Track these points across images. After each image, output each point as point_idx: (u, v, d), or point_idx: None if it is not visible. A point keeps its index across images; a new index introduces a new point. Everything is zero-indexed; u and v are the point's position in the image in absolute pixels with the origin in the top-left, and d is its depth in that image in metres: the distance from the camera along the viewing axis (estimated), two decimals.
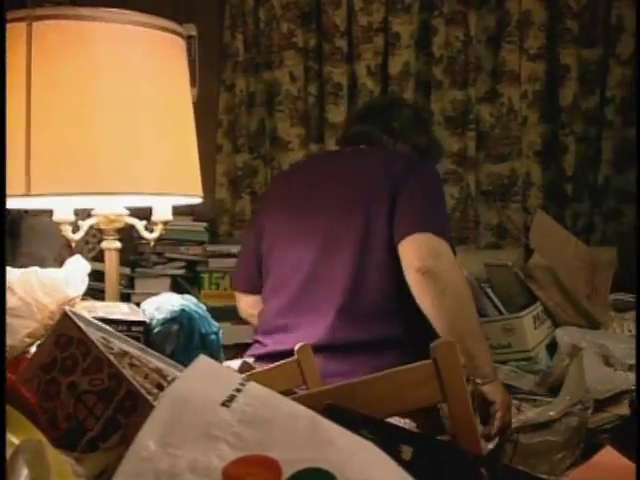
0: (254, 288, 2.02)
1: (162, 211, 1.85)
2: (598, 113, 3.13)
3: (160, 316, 1.48)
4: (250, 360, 1.76)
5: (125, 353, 0.99)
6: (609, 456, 1.04)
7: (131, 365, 0.96)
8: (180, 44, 1.67)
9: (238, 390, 0.67)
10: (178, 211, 2.59)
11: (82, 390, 0.92)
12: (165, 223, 1.88)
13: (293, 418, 0.65)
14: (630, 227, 3.07)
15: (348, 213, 1.82)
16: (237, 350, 2.87)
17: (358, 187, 1.86)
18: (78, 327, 0.98)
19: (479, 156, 3.23)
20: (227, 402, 0.65)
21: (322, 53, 3.16)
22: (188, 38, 3.12)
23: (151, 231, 1.90)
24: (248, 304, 2.08)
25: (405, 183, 1.82)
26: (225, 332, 2.92)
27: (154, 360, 1.04)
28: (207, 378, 0.67)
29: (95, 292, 1.86)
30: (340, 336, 1.70)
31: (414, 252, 1.68)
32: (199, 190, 1.80)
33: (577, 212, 3.19)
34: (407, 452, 0.96)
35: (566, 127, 3.13)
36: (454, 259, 1.73)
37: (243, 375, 0.69)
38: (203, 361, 0.70)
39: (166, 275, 3.05)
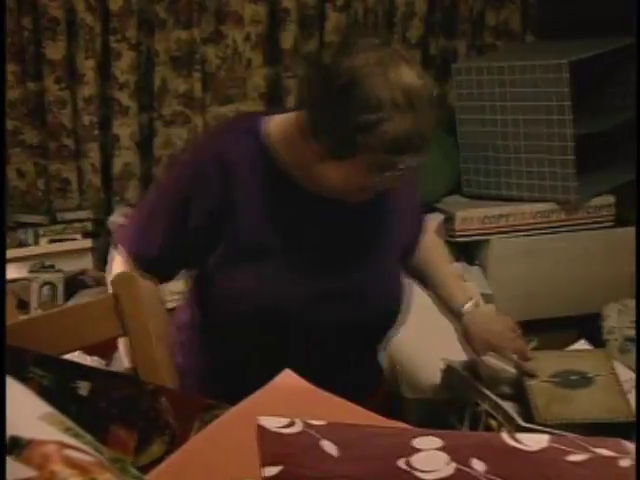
0: None
1: None
2: (318, 57, 3.23)
3: None
4: None
5: None
6: (288, 379, 1.09)
7: None
8: None
9: None
10: None
11: None
12: None
13: None
14: None
15: None
16: None
17: None
18: None
19: (206, 98, 3.23)
20: None
21: None
22: None
23: None
24: None
25: None
26: None
27: None
28: None
29: None
30: None
31: None
32: None
33: None
34: (84, 388, 0.94)
35: (289, 70, 3.21)
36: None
37: None
38: None
39: None
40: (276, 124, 1.51)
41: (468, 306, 1.74)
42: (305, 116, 1.41)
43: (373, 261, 1.59)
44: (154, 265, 1.46)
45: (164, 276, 1.53)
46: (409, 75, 1.34)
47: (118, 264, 1.45)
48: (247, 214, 1.47)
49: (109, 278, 1.50)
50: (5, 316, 0.99)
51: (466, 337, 1.75)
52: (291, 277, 1.49)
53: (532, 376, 1.71)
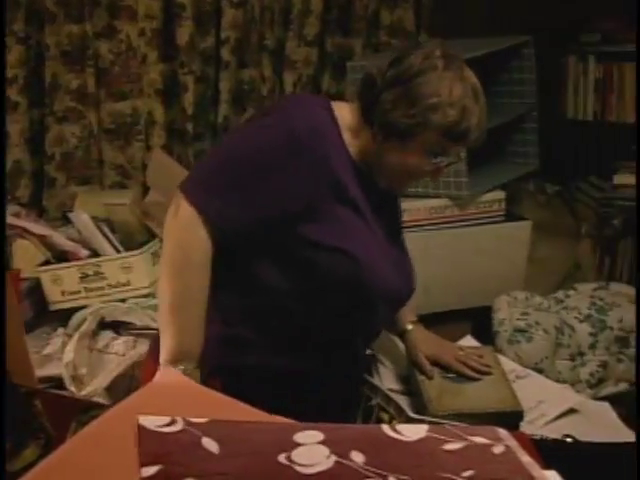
0: None
1: None
2: (214, 53, 3.22)
3: None
4: None
5: None
6: (170, 376, 1.08)
7: None
8: None
9: None
10: None
11: None
12: None
13: None
14: None
15: None
16: None
17: None
18: None
19: (100, 94, 3.16)
20: None
21: None
22: None
23: None
24: None
25: None
26: None
27: None
28: None
29: None
30: None
31: None
32: None
33: (200, 150, 3.28)
34: None
35: (185, 66, 3.17)
36: (183, 223, 1.47)
37: None
38: None
39: None
40: (337, 108, 1.56)
41: (412, 326, 1.82)
42: (363, 106, 1.53)
43: (403, 245, 1.74)
44: (229, 234, 1.47)
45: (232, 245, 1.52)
46: (473, 76, 1.52)
47: (186, 220, 1.45)
48: (341, 187, 1.51)
49: (170, 224, 1.48)
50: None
51: (412, 352, 1.81)
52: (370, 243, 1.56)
53: (430, 377, 1.76)
